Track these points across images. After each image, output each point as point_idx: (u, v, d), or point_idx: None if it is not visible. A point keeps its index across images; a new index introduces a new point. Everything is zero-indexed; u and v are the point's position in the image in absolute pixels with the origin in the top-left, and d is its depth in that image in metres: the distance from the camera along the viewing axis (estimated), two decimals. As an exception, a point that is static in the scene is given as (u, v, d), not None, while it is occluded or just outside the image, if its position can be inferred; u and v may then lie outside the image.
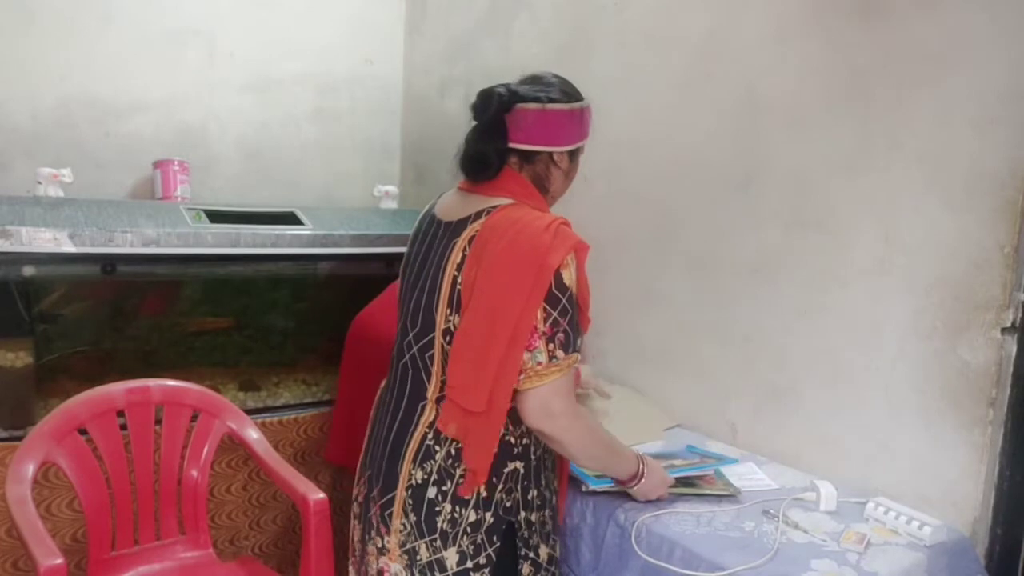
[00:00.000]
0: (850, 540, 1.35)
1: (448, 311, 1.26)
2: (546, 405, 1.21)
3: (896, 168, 1.53)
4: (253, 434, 1.92)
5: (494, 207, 1.27)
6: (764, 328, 1.80)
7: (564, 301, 1.21)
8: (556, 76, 1.37)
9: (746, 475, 1.66)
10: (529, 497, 1.32)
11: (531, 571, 1.33)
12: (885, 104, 1.54)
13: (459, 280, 1.24)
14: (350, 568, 1.50)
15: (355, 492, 1.46)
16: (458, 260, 1.25)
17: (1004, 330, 1.39)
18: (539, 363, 1.20)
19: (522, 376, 1.20)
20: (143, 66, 2.60)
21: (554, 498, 1.39)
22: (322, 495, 1.69)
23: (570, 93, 1.35)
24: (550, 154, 1.33)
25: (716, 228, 1.90)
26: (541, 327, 1.20)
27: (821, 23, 1.66)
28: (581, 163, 1.45)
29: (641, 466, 1.42)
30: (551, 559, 1.37)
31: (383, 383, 1.49)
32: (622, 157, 2.15)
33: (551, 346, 1.20)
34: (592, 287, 1.34)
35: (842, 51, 1.61)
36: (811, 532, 1.39)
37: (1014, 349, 1.38)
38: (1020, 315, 1.38)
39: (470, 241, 1.25)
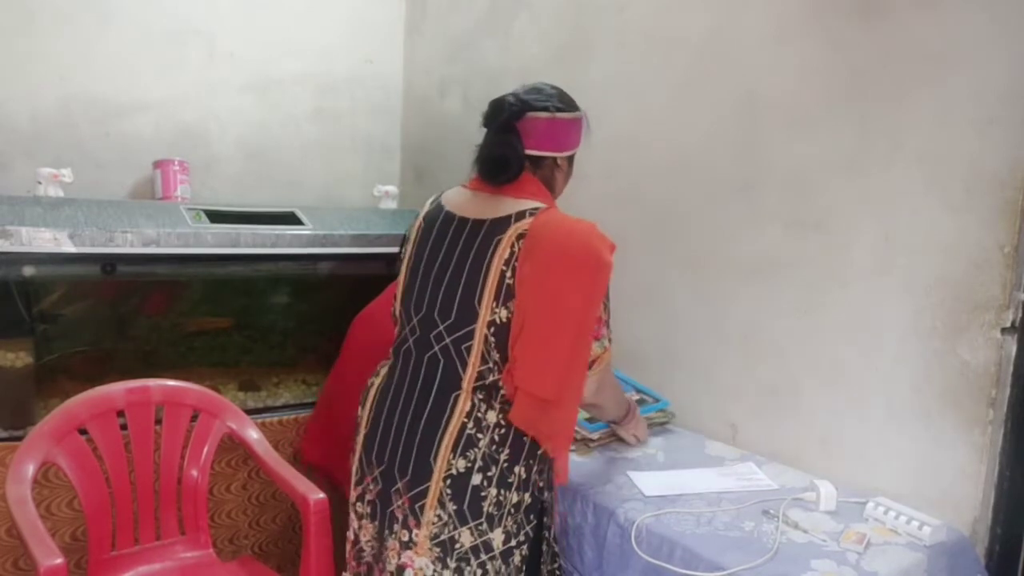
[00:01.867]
0: (850, 540, 1.35)
1: (494, 304, 1.31)
2: (602, 382, 1.41)
3: (896, 168, 1.53)
4: (253, 434, 1.93)
5: (535, 209, 1.36)
6: (764, 328, 1.80)
7: (609, 294, 1.37)
8: (552, 87, 1.45)
9: (746, 475, 1.66)
10: (550, 478, 1.44)
11: (547, 548, 1.45)
12: (885, 104, 1.54)
13: (507, 274, 1.31)
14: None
15: (359, 492, 1.46)
16: (506, 255, 1.32)
17: (1004, 330, 1.39)
18: (605, 348, 1.37)
19: (595, 363, 1.36)
20: (143, 66, 2.60)
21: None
22: (322, 495, 1.69)
23: (569, 102, 1.46)
24: (554, 159, 1.44)
25: (716, 228, 1.90)
26: (604, 316, 1.37)
27: (821, 23, 1.66)
28: (577, 165, 1.54)
29: (630, 411, 1.72)
30: (556, 538, 1.49)
31: (378, 377, 1.50)
32: (622, 157, 2.15)
33: (608, 332, 1.38)
34: None
35: (842, 51, 1.61)
36: (811, 532, 1.39)
37: (1014, 349, 1.39)
38: (1020, 315, 1.38)
39: (518, 237, 1.32)
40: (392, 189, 2.87)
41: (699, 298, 1.95)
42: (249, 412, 2.03)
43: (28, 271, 1.90)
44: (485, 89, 2.66)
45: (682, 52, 1.98)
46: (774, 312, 1.78)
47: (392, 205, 2.84)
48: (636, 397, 1.87)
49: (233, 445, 2.05)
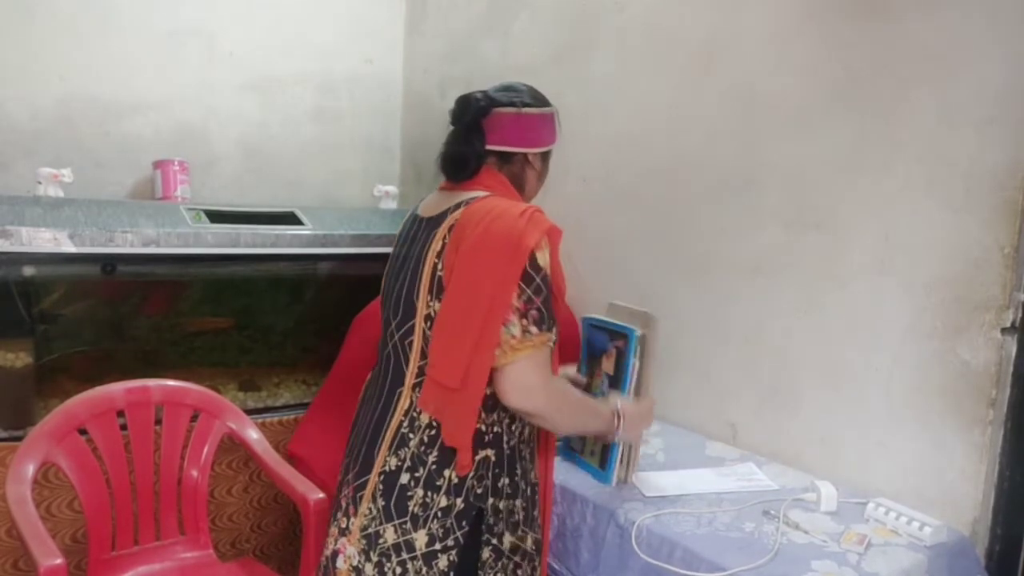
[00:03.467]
0: (850, 541, 1.35)
1: (428, 297, 1.31)
2: (522, 380, 1.25)
3: (896, 168, 1.53)
4: (253, 434, 1.93)
5: (472, 198, 1.34)
6: (764, 328, 1.80)
7: (538, 280, 1.26)
8: (525, 84, 1.46)
9: (746, 475, 1.66)
10: (500, 485, 1.34)
11: (491, 556, 1.34)
12: (885, 104, 1.54)
13: (439, 267, 1.30)
14: None
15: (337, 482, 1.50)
16: (438, 248, 1.31)
17: (1004, 330, 1.39)
18: (513, 336, 1.24)
19: (498, 351, 1.24)
20: (143, 66, 2.61)
21: (530, 489, 1.41)
22: (322, 495, 1.69)
23: (540, 99, 1.45)
24: (525, 155, 1.43)
25: (716, 228, 1.90)
26: (515, 303, 1.25)
27: (821, 23, 1.65)
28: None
29: (616, 420, 1.45)
30: (515, 549, 1.37)
31: (370, 375, 1.52)
32: (622, 156, 2.15)
33: (524, 321, 1.25)
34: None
35: (842, 51, 1.61)
36: (811, 533, 1.39)
37: (1014, 349, 1.38)
38: (1020, 315, 1.38)
39: (449, 229, 1.30)
40: (392, 189, 2.87)
41: (699, 298, 1.95)
42: (249, 412, 2.03)
43: (28, 271, 1.90)
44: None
45: (682, 52, 1.98)
46: (774, 312, 1.78)
47: (392, 205, 2.85)
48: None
49: (234, 447, 2.05)
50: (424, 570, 1.28)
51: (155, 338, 2.30)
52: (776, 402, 1.78)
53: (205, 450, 1.90)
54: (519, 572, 1.38)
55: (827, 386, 1.67)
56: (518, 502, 1.37)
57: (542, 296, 1.27)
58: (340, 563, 1.34)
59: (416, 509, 1.29)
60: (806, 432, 1.72)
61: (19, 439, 1.75)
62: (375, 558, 1.30)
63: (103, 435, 1.78)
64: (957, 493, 1.46)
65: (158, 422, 1.87)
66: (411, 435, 1.31)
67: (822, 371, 1.68)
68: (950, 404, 1.47)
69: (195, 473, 1.89)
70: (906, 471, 1.54)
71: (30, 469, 1.63)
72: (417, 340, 1.32)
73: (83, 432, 1.76)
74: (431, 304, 1.30)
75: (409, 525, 1.29)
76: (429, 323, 1.30)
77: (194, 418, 1.91)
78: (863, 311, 1.60)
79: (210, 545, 1.89)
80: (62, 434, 1.71)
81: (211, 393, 1.95)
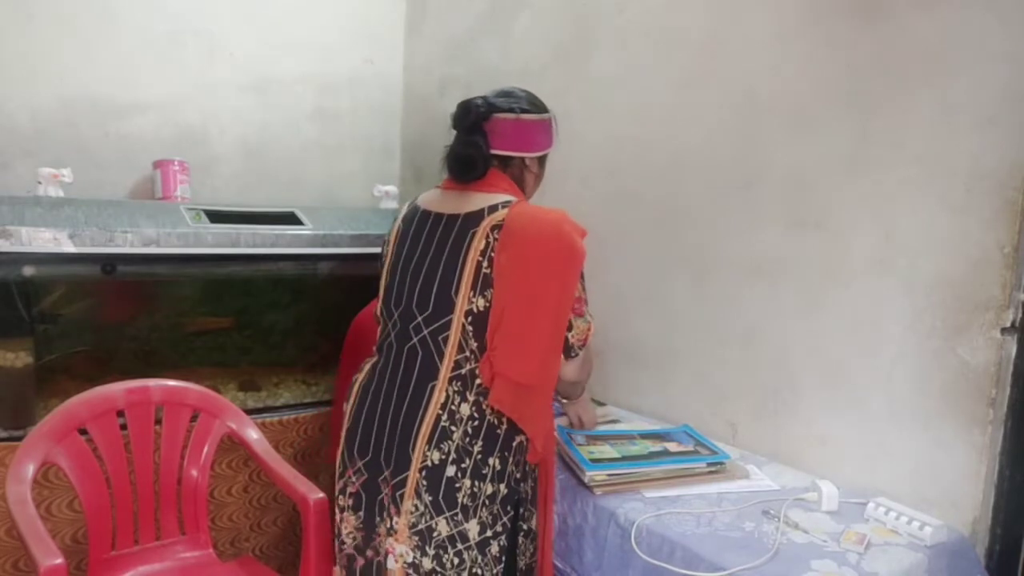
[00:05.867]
0: (850, 540, 1.35)
1: (471, 293, 1.36)
2: (586, 357, 1.49)
3: (896, 168, 1.53)
4: (253, 434, 1.92)
5: (507, 201, 1.40)
6: (764, 328, 1.80)
7: (583, 274, 1.42)
8: (523, 90, 1.52)
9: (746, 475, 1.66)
10: (528, 468, 1.44)
11: (523, 540, 1.46)
12: (885, 104, 1.54)
13: (484, 264, 1.35)
14: (337, 570, 1.52)
15: (340, 485, 1.50)
16: (482, 247, 1.36)
17: (1004, 330, 1.39)
18: (588, 324, 1.44)
19: (576, 343, 1.43)
20: (143, 66, 2.60)
21: (533, 468, 1.49)
22: (322, 495, 1.69)
23: (538, 105, 1.51)
24: (523, 159, 1.49)
25: (716, 228, 1.90)
26: (583, 295, 1.42)
27: (821, 23, 1.66)
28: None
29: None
30: (529, 530, 1.49)
31: (361, 373, 1.52)
32: (622, 157, 2.15)
33: (587, 308, 1.43)
34: (592, 286, 1.41)
35: (842, 51, 1.61)
36: (811, 532, 1.39)
37: (1014, 349, 1.38)
38: (1020, 315, 1.38)
39: (492, 229, 1.37)
40: (392, 189, 2.87)
41: (699, 298, 1.95)
42: (249, 412, 2.03)
43: (28, 271, 1.90)
44: (485, 89, 2.65)
45: (683, 51, 1.98)
46: (774, 312, 1.78)
47: (392, 205, 2.84)
48: (691, 447, 1.71)
49: (234, 447, 2.05)
50: (479, 559, 1.36)
51: (155, 338, 2.30)
52: (776, 402, 1.78)
53: (205, 450, 1.90)
54: (533, 547, 1.49)
55: (827, 386, 1.67)
56: (530, 482, 1.47)
57: (585, 286, 1.44)
58: (391, 563, 1.37)
59: (465, 500, 1.34)
60: (806, 432, 1.72)
61: (19, 439, 1.74)
62: (431, 551, 1.34)
63: (103, 435, 1.78)
64: (957, 493, 1.46)
65: (158, 422, 1.87)
66: (453, 428, 1.36)
67: (822, 371, 1.68)
68: (950, 404, 1.47)
69: (195, 473, 1.89)
70: (906, 471, 1.54)
71: (30, 469, 1.63)
72: (455, 334, 1.37)
73: (83, 432, 1.76)
74: (473, 300, 1.36)
75: (460, 516, 1.34)
76: (470, 318, 1.36)
77: (194, 418, 1.91)
78: (863, 311, 1.60)
79: (210, 545, 1.89)
80: (62, 434, 1.71)
81: (211, 393, 1.95)
